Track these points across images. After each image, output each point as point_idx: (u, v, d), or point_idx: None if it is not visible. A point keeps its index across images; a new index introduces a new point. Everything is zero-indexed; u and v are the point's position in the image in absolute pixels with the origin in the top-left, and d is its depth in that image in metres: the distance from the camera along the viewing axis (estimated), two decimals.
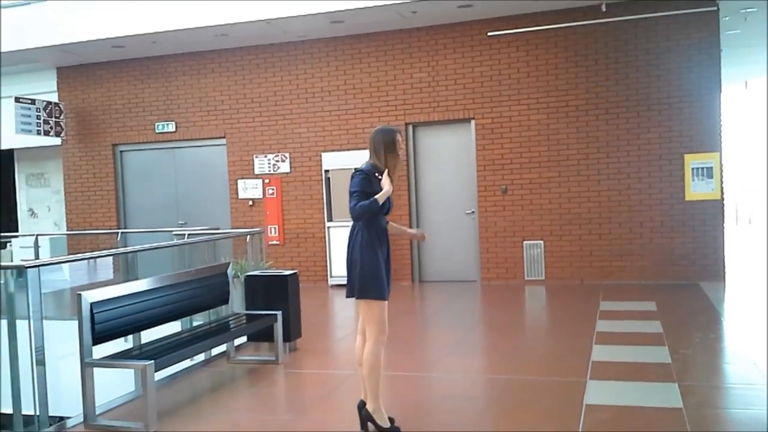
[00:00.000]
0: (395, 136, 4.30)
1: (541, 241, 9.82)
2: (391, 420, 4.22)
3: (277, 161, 10.99)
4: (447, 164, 10.34)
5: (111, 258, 9.53)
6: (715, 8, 9.00)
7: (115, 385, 5.19)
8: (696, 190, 9.23)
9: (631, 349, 6.06)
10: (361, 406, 4.28)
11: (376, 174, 4.19)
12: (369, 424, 4.22)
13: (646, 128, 9.41)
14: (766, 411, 4.35)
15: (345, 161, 10.27)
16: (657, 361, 5.56)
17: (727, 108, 10.10)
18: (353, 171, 4.23)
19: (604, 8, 9.30)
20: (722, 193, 9.20)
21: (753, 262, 11.50)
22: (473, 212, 10.22)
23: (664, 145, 9.35)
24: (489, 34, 9.90)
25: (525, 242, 9.89)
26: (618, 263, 9.52)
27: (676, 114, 9.29)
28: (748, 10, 9.64)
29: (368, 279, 4.14)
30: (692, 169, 9.23)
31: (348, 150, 10.48)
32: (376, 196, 4.08)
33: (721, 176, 9.16)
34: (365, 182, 4.13)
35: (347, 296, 4.29)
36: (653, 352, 5.84)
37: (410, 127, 10.30)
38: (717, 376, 5.44)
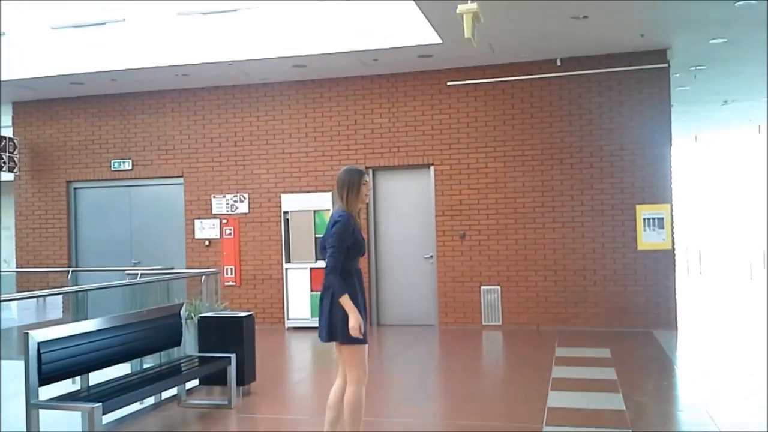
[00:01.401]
0: (361, 178, 4.30)
1: (498, 287, 9.89)
2: None
3: (236, 201, 10.92)
4: (406, 208, 10.41)
5: (60, 297, 9.27)
6: (666, 65, 9.37)
7: (62, 427, 5.00)
8: (648, 240, 9.44)
9: (586, 395, 6.10)
10: None
11: (353, 219, 4.22)
12: None
13: (599, 179, 9.64)
14: None
15: (304, 203, 10.27)
16: (611, 408, 5.60)
17: (678, 161, 10.43)
18: (332, 215, 4.26)
19: (559, 62, 9.61)
20: (673, 243, 9.43)
21: (705, 311, 11.75)
22: (432, 256, 10.27)
23: (616, 196, 9.58)
24: (448, 83, 10.11)
25: (482, 287, 9.95)
26: (573, 310, 9.63)
27: (629, 166, 9.55)
28: (698, 67, 10.08)
29: (340, 322, 4.09)
30: (644, 219, 9.46)
31: (308, 192, 10.48)
32: (343, 300, 4.06)
33: (672, 227, 9.41)
34: (344, 235, 4.13)
35: (325, 341, 4.22)
36: (608, 399, 5.89)
37: (370, 171, 10.37)
38: (670, 423, 5.49)
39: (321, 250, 4.30)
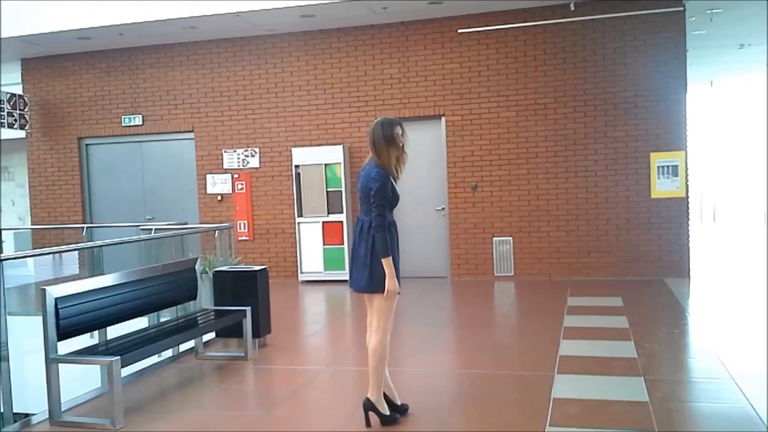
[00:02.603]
0: (393, 130, 4.19)
1: (510, 238, 9.90)
2: (404, 406, 4.44)
3: (247, 156, 10.91)
4: (418, 161, 10.33)
5: (76, 253, 9.37)
6: (682, 9, 9.15)
7: (81, 381, 5.11)
8: (661, 188, 9.37)
9: (598, 343, 6.14)
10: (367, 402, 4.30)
11: (389, 175, 4.19)
12: (370, 414, 4.27)
13: (612, 126, 9.53)
14: (732, 405, 4.44)
15: (315, 156, 10.24)
16: (623, 356, 5.64)
17: (693, 107, 10.26)
18: (368, 169, 4.19)
19: (572, 7, 9.39)
20: (687, 191, 9.35)
21: (717, 259, 11.72)
22: (443, 209, 10.26)
23: (630, 144, 9.48)
24: (459, 31, 9.94)
25: (494, 239, 9.96)
26: (585, 260, 9.64)
27: (643, 113, 9.42)
28: (714, 11, 9.81)
29: (380, 275, 4.13)
30: (658, 167, 9.37)
31: (318, 145, 10.44)
32: (385, 261, 4.08)
33: (687, 175, 9.32)
34: (384, 193, 4.11)
35: (357, 290, 4.27)
36: (619, 347, 5.92)
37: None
38: (682, 371, 5.53)
39: (362, 203, 4.25)
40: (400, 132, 4.23)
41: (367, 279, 4.18)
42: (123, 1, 9.70)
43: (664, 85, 9.34)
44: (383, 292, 4.15)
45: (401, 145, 4.24)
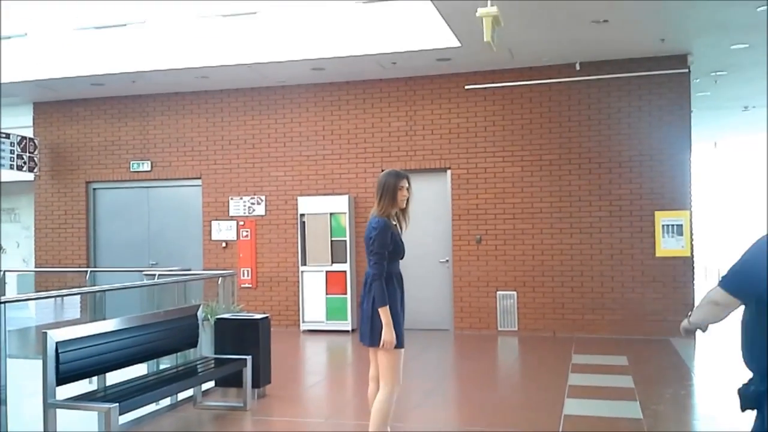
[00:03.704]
0: (398, 182, 4.23)
1: (515, 292, 9.85)
2: None
3: (253, 204, 10.96)
4: (423, 212, 10.37)
5: (79, 297, 9.35)
6: (687, 70, 9.29)
7: (79, 427, 5.03)
8: (666, 246, 9.36)
9: (603, 403, 6.05)
10: None
11: (390, 224, 4.21)
12: None
13: (617, 184, 9.57)
14: None
15: (321, 206, 10.28)
16: (629, 416, 5.55)
17: (697, 167, 10.33)
18: (370, 221, 4.24)
19: (578, 67, 9.56)
20: (692, 250, 9.34)
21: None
22: (448, 261, 10.24)
23: (635, 202, 9.51)
24: (466, 87, 10.09)
25: (498, 292, 9.91)
26: (590, 317, 9.56)
27: (647, 171, 9.48)
28: (718, 73, 9.99)
29: (381, 328, 4.11)
30: (663, 225, 9.38)
31: (325, 194, 10.50)
32: (382, 311, 4.07)
33: (691, 233, 9.32)
34: (383, 241, 4.12)
35: (368, 345, 4.24)
36: (625, 407, 5.83)
37: None
38: None
39: (368, 254, 4.26)
40: (406, 185, 4.27)
41: (369, 332, 4.16)
42: (137, 49, 9.90)
43: (668, 145, 9.42)
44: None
45: (404, 198, 4.27)
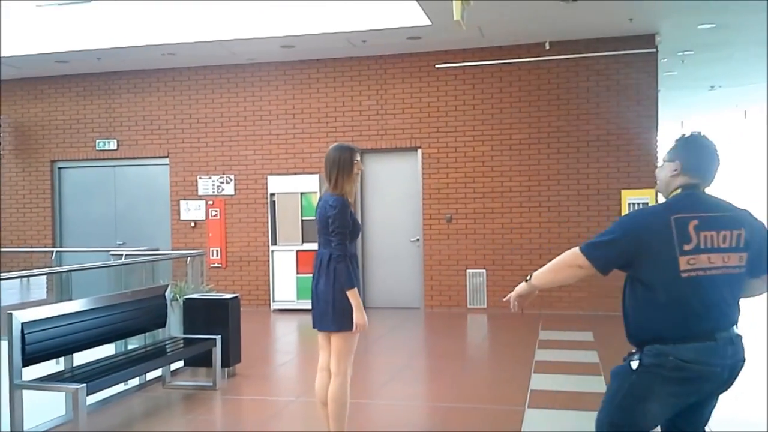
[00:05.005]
0: (353, 156, 4.00)
1: (484, 270, 9.94)
2: None
3: (222, 183, 10.87)
4: (393, 192, 10.40)
5: (45, 277, 9.22)
6: (654, 50, 9.38)
7: (46, 408, 5.00)
8: None
9: (569, 378, 6.17)
10: None
11: (348, 203, 3.98)
12: None
13: (585, 163, 9.67)
14: None
15: (291, 185, 10.24)
16: (594, 391, 5.65)
17: (664, 146, 10.48)
18: (326, 198, 4.02)
19: (547, 46, 9.59)
20: None
21: None
22: (418, 240, 10.29)
23: (602, 180, 9.62)
24: (437, 66, 10.07)
25: (468, 271, 9.99)
26: (557, 293, 9.69)
27: (614, 151, 9.59)
28: (685, 53, 10.09)
29: (343, 311, 3.90)
30: (629, 204, 9.51)
31: (294, 174, 10.44)
32: (351, 294, 3.87)
33: None
34: (345, 221, 3.90)
35: (318, 328, 4.04)
36: (590, 382, 5.95)
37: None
38: None
39: (320, 235, 4.05)
40: (359, 158, 4.06)
41: (332, 316, 3.92)
42: (102, 26, 9.69)
43: (635, 124, 9.53)
44: (350, 330, 3.90)
45: (359, 173, 4.06)
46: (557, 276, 2.90)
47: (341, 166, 4.00)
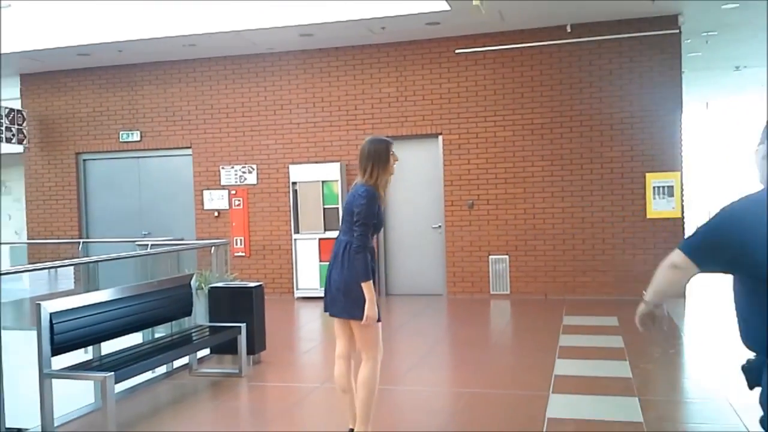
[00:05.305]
0: (389, 149, 4.00)
1: (507, 256, 9.91)
2: None
3: (244, 172, 10.94)
4: (415, 179, 10.39)
5: (72, 268, 9.36)
6: (678, 31, 9.24)
7: (75, 396, 5.09)
8: (657, 208, 9.41)
9: (593, 363, 6.14)
10: None
11: (378, 195, 3.97)
12: None
13: (608, 147, 9.58)
14: (727, 426, 4.43)
15: (313, 174, 10.27)
16: (618, 376, 5.64)
17: (688, 128, 10.34)
18: (357, 188, 4.00)
19: (569, 29, 9.49)
20: (682, 212, 9.39)
21: (712, 278, 11.71)
22: (440, 226, 10.28)
23: (626, 164, 9.53)
24: (457, 51, 10.02)
25: (491, 257, 9.97)
26: (581, 279, 9.65)
27: (638, 133, 9.48)
28: (709, 33, 9.93)
29: (355, 300, 3.89)
30: (653, 187, 9.42)
31: (316, 162, 10.47)
32: (366, 286, 3.85)
33: (682, 195, 9.36)
34: (371, 213, 3.89)
35: (330, 313, 4.05)
36: (614, 367, 5.92)
37: None
38: (677, 391, 5.53)
39: (344, 222, 4.05)
40: (393, 151, 4.06)
41: (343, 303, 3.94)
42: (123, 18, 9.76)
43: (659, 106, 9.41)
44: (360, 319, 3.90)
45: (394, 165, 4.06)
46: (656, 282, 2.52)
47: (377, 159, 3.99)
